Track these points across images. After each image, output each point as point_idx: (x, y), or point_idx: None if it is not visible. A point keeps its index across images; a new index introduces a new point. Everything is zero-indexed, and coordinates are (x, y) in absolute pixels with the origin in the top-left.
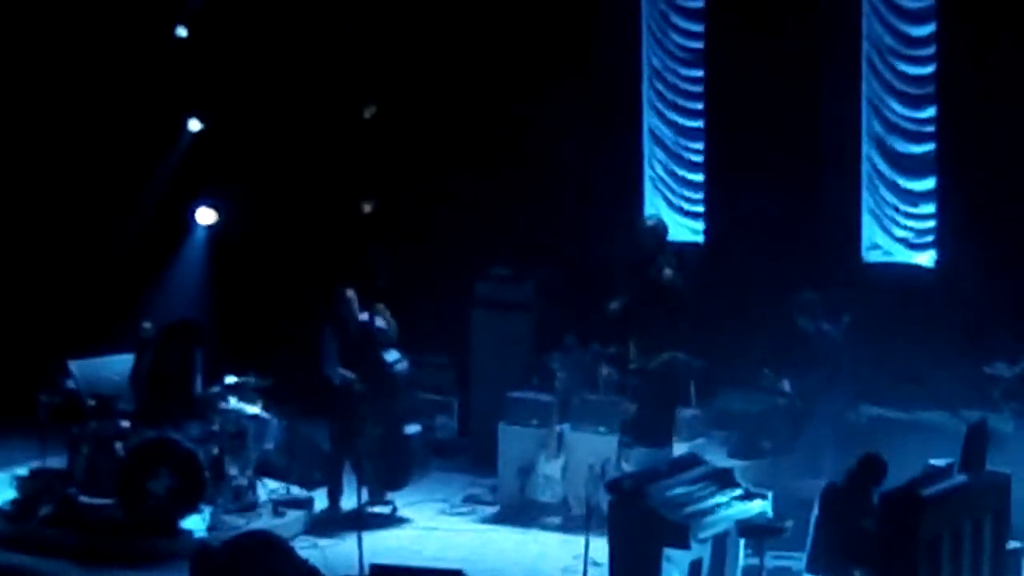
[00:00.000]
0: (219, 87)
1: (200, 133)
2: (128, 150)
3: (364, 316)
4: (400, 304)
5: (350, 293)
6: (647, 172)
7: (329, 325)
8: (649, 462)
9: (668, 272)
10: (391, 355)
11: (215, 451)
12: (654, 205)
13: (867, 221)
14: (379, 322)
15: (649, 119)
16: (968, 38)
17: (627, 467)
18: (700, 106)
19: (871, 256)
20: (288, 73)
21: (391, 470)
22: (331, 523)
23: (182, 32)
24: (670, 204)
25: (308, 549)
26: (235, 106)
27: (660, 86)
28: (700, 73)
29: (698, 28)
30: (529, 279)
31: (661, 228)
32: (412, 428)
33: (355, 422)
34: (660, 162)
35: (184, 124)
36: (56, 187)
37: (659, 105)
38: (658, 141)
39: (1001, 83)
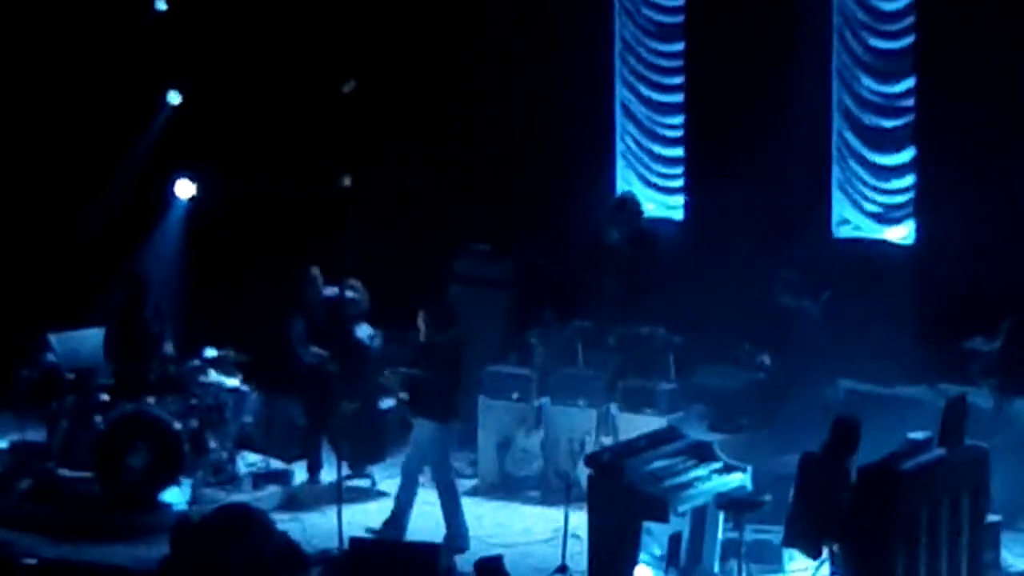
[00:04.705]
0: (199, 60)
1: (179, 106)
2: (107, 123)
3: (332, 290)
4: (378, 279)
5: (314, 271)
6: (619, 147)
7: (294, 308)
8: (431, 436)
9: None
10: (363, 330)
11: (194, 424)
12: (626, 180)
13: (837, 196)
14: (349, 294)
15: (621, 93)
16: (944, 10)
17: (606, 441)
18: (674, 80)
19: (841, 231)
20: (268, 47)
21: (366, 446)
22: (310, 496)
23: (162, 5)
24: (642, 179)
25: (288, 522)
26: (215, 80)
27: (632, 60)
28: (673, 47)
29: (673, 3)
30: (508, 255)
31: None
32: (387, 403)
33: (329, 400)
34: (632, 136)
35: (163, 97)
36: (35, 161)
37: (631, 79)
38: (630, 115)
39: (978, 55)
